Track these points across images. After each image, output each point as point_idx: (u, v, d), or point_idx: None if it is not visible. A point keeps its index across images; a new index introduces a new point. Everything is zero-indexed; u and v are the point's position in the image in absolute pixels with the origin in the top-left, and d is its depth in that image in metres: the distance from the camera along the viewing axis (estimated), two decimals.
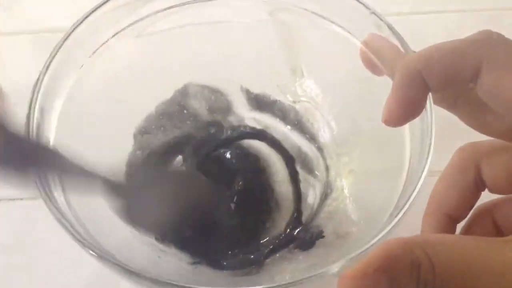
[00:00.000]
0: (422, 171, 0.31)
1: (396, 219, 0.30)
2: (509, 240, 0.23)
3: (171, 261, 0.38)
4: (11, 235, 0.43)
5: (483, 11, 0.56)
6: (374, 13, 0.37)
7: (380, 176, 0.39)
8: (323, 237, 0.39)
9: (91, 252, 0.29)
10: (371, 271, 0.22)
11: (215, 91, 0.45)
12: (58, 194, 0.32)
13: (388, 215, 0.32)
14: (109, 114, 0.39)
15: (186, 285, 0.28)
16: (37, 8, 0.56)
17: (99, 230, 0.33)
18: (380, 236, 0.29)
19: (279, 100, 0.45)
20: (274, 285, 0.28)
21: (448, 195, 0.32)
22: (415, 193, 0.31)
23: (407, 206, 0.30)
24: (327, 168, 0.43)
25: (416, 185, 0.31)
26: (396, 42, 0.35)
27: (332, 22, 0.40)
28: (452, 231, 0.32)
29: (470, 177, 0.31)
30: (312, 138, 0.45)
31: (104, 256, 0.29)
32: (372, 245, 0.29)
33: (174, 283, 0.28)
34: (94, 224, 0.33)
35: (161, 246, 0.39)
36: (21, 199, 0.44)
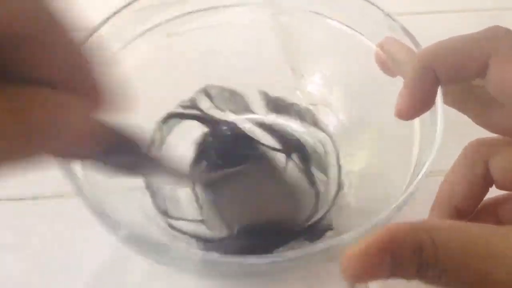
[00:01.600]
0: (425, 163, 0.32)
1: (392, 206, 0.30)
2: None
3: (181, 246, 0.39)
4: (12, 235, 0.42)
5: (483, 11, 0.56)
6: (388, 15, 0.38)
7: (388, 172, 0.39)
8: (332, 229, 0.40)
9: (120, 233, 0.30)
10: (375, 251, 0.22)
11: (234, 93, 0.46)
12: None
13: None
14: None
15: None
16: None
17: (115, 213, 0.33)
18: (374, 222, 0.30)
19: (295, 103, 0.46)
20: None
21: (456, 189, 0.32)
22: (415, 182, 0.31)
23: (404, 196, 0.31)
24: (339, 167, 0.44)
25: (417, 176, 0.31)
26: (409, 42, 0.36)
27: (346, 25, 0.41)
28: None
29: (479, 172, 0.31)
30: (326, 138, 0.45)
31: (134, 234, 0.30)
32: (365, 231, 0.29)
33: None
34: (108, 208, 0.33)
35: (172, 231, 0.39)
36: (21, 199, 0.43)
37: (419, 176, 0.31)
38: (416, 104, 0.31)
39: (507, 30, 0.30)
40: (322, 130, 0.46)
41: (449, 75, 0.30)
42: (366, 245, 0.23)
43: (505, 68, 0.28)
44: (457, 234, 0.23)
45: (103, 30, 0.37)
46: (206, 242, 0.40)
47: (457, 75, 0.30)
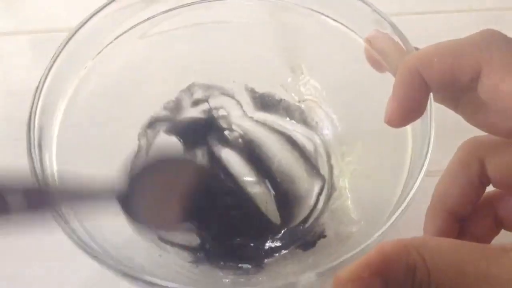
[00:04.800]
0: (421, 169, 0.31)
1: (391, 220, 0.30)
2: (506, 249, 0.23)
3: (172, 260, 0.38)
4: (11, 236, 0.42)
5: (483, 11, 0.55)
6: (376, 11, 0.37)
7: (381, 175, 0.38)
8: (324, 237, 0.39)
9: (93, 256, 0.29)
10: (366, 275, 0.22)
11: (220, 90, 0.45)
12: None
13: (387, 215, 0.31)
14: (113, 115, 0.39)
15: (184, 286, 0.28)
16: (37, 8, 0.56)
17: (100, 229, 0.32)
18: (375, 236, 0.29)
19: (284, 99, 0.45)
20: None
21: (452, 191, 0.32)
22: (413, 191, 0.30)
23: (404, 205, 0.30)
24: (331, 168, 0.43)
25: (414, 183, 0.31)
26: (397, 39, 0.35)
27: (335, 20, 0.40)
28: (455, 228, 0.32)
29: (474, 172, 0.31)
30: (316, 137, 0.44)
31: (105, 260, 0.29)
32: (366, 247, 0.28)
33: (171, 285, 0.28)
34: (95, 223, 0.32)
35: (162, 245, 0.39)
36: None
37: (414, 189, 0.30)
38: (405, 111, 0.30)
39: (501, 33, 0.29)
40: (312, 128, 0.45)
41: (439, 82, 0.29)
42: (358, 268, 0.22)
43: (498, 77, 0.27)
44: (448, 256, 0.23)
45: (79, 35, 0.37)
46: (196, 253, 0.39)
47: (448, 84, 0.29)
